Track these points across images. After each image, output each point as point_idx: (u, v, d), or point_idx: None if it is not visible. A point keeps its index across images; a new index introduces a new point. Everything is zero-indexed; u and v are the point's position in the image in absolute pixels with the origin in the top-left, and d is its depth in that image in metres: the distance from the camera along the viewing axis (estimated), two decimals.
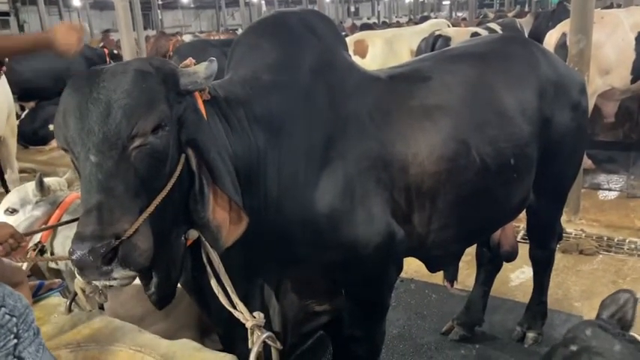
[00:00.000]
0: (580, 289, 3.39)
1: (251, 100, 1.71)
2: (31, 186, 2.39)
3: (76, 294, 1.70)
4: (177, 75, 1.46)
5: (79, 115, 1.35)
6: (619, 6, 10.36)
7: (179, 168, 1.44)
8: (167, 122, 1.40)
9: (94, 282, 1.38)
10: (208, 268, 1.62)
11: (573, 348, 1.06)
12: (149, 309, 2.11)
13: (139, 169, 1.35)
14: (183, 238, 1.54)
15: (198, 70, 1.49)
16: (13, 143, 5.01)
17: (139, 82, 1.37)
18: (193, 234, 1.56)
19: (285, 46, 1.85)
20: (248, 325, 1.53)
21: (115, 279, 1.30)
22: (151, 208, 1.34)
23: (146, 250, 1.33)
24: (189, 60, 1.62)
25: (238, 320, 1.58)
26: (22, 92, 8.40)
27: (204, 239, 1.57)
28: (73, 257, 1.25)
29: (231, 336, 1.85)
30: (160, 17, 25.84)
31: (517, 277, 3.48)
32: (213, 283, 1.61)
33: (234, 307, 1.58)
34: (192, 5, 36.68)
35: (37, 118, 8.08)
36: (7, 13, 13.48)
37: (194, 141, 1.47)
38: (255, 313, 1.56)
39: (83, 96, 1.36)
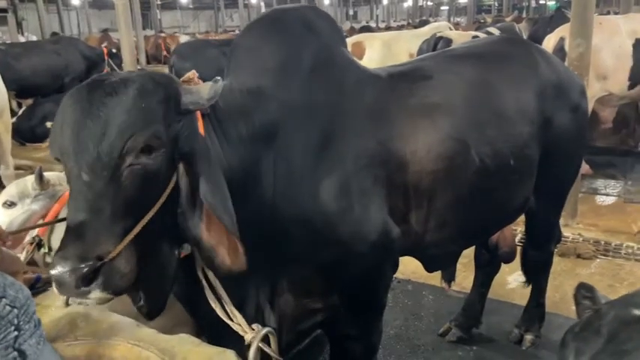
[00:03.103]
0: None
1: (251, 110, 1.69)
2: (30, 179, 2.37)
3: None
4: (180, 94, 1.44)
5: (77, 130, 1.33)
6: (616, 14, 10.41)
7: (170, 187, 1.42)
8: (162, 144, 1.38)
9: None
10: (204, 282, 1.61)
11: (637, 312, 0.95)
12: None
13: (129, 190, 1.33)
14: (177, 252, 1.52)
15: (202, 90, 1.47)
16: (7, 140, 5.00)
17: (139, 101, 1.35)
18: (187, 248, 1.55)
19: (283, 47, 1.83)
20: (247, 337, 1.53)
21: (91, 299, 1.30)
22: (136, 230, 1.33)
23: (127, 273, 1.32)
24: (193, 73, 1.61)
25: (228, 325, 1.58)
26: (20, 89, 8.38)
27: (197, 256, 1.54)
28: (53, 273, 1.25)
29: (221, 336, 1.85)
30: (158, 17, 25.81)
31: (515, 279, 3.48)
32: (210, 296, 1.60)
33: (232, 320, 1.57)
34: (190, 6, 36.67)
35: (35, 115, 8.05)
36: (5, 10, 13.40)
37: (189, 161, 1.44)
38: (254, 326, 1.55)
39: (83, 110, 1.34)
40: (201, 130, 1.50)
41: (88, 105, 1.33)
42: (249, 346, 1.57)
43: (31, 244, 2.19)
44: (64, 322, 1.65)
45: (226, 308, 1.60)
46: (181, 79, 1.57)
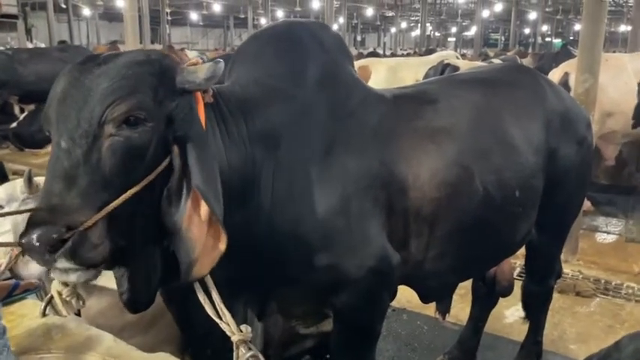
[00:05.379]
0: (576, 331, 3.30)
1: (252, 111, 1.66)
2: (19, 183, 2.31)
3: (52, 297, 1.61)
4: (175, 71, 1.40)
5: (63, 98, 1.32)
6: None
7: (162, 167, 1.36)
8: (149, 117, 1.33)
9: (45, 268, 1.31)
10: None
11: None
12: (130, 320, 2.01)
13: (111, 162, 1.28)
14: (166, 242, 1.43)
15: (200, 70, 1.42)
16: None
17: (124, 70, 1.33)
18: None
19: (290, 56, 1.80)
20: (234, 339, 1.43)
21: (58, 269, 1.24)
22: (115, 204, 1.26)
23: (98, 246, 1.25)
24: (197, 59, 1.56)
25: (217, 339, 1.48)
26: (23, 94, 8.39)
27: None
28: (22, 240, 1.20)
29: (207, 354, 1.75)
30: (168, 32, 26.07)
31: (512, 314, 3.39)
32: (199, 291, 1.51)
33: (220, 318, 1.48)
34: (200, 23, 37.10)
35: (36, 121, 8.00)
36: (15, 16, 13.52)
37: (181, 141, 1.39)
38: (242, 327, 1.46)
39: (71, 80, 1.33)
40: (201, 116, 1.45)
41: (77, 74, 1.33)
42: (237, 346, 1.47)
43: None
44: (39, 333, 1.57)
45: (216, 306, 1.51)
46: (186, 64, 1.53)
